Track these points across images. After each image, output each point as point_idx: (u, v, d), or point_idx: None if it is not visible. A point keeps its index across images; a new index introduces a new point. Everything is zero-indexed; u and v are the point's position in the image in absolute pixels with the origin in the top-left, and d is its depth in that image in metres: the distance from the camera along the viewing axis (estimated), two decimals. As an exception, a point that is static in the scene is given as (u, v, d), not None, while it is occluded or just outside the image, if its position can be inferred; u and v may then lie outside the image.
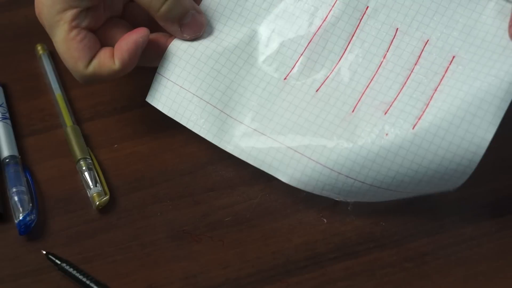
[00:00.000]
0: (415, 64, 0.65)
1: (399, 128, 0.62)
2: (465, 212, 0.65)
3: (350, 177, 0.63)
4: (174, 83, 0.67)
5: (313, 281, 0.61)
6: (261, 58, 0.68)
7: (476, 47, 0.64)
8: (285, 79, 0.67)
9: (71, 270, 0.61)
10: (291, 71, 0.67)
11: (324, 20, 0.67)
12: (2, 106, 0.71)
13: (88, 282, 0.60)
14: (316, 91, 0.66)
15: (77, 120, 0.71)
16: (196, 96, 0.66)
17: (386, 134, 0.63)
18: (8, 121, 0.70)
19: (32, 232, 0.63)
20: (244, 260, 0.62)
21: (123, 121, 0.71)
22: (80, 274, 0.60)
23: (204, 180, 0.67)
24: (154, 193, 0.66)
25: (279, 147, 0.64)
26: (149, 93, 0.68)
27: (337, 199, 0.64)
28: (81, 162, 0.67)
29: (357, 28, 0.67)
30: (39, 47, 0.76)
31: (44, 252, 0.62)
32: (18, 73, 0.75)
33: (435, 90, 0.63)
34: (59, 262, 0.61)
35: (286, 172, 0.64)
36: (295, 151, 0.64)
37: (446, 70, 0.64)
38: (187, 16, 0.66)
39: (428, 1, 0.66)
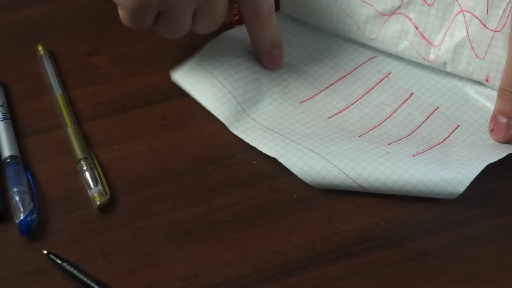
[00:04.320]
0: (423, 122, 0.70)
1: (400, 154, 0.66)
2: (465, 212, 0.65)
3: (350, 177, 0.65)
4: (205, 69, 0.72)
5: (313, 281, 0.61)
6: (287, 81, 0.73)
7: (480, 125, 0.69)
8: (302, 102, 0.71)
9: (72, 269, 0.61)
10: (309, 98, 0.72)
11: (350, 72, 0.73)
12: (3, 106, 0.71)
13: (88, 281, 0.60)
14: (328, 118, 0.70)
15: (78, 120, 0.71)
16: (221, 84, 0.71)
17: (387, 153, 0.66)
18: (9, 121, 0.70)
19: (33, 231, 0.63)
20: (244, 260, 0.62)
21: (123, 121, 0.71)
22: (81, 274, 0.61)
23: (204, 180, 0.67)
24: (155, 193, 0.66)
25: (284, 139, 0.68)
26: (177, 71, 0.73)
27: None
28: (82, 162, 0.67)
29: (376, 84, 0.73)
30: (39, 48, 0.77)
31: (45, 252, 0.62)
32: (19, 73, 0.76)
33: (436, 145, 0.68)
34: (60, 262, 0.61)
35: (288, 156, 0.66)
36: (299, 144, 0.67)
37: (450, 135, 0.69)
38: (274, 50, 0.73)
39: (445, 81, 0.72)
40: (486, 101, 0.70)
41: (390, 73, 0.73)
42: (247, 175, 0.67)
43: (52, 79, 0.74)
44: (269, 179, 0.67)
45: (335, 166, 0.65)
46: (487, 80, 0.70)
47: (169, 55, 0.76)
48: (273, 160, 0.67)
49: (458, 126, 0.69)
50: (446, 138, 0.68)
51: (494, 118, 0.68)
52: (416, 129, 0.69)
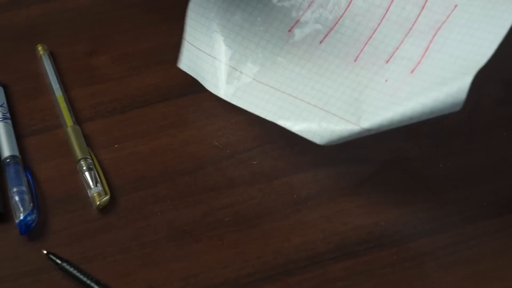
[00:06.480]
0: (418, 15, 0.66)
1: (398, 74, 0.64)
2: (465, 212, 0.65)
3: (350, 122, 0.63)
4: (192, 45, 0.71)
5: (313, 281, 0.61)
6: (268, 8, 0.70)
7: None
8: (289, 31, 0.69)
9: (71, 269, 0.61)
10: (295, 24, 0.69)
11: None
12: (3, 106, 0.71)
13: (88, 281, 0.60)
14: (320, 43, 0.68)
15: (78, 120, 0.71)
16: (210, 56, 0.70)
17: (386, 81, 0.64)
18: (9, 121, 0.70)
19: (32, 231, 0.63)
20: (244, 260, 0.62)
21: (123, 121, 0.71)
22: (81, 274, 0.61)
23: (204, 180, 0.67)
24: (154, 193, 0.66)
25: (281, 95, 0.66)
26: (179, 59, 0.72)
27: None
28: (82, 162, 0.67)
29: None
30: (39, 48, 0.76)
31: (45, 252, 0.62)
32: (18, 73, 0.76)
33: (434, 35, 0.65)
34: (59, 262, 0.61)
35: (287, 116, 0.65)
36: (296, 97, 0.66)
37: (447, 17, 0.65)
38: None
39: None
40: None
41: None
42: (247, 175, 0.67)
43: (52, 79, 0.74)
44: (269, 179, 0.67)
45: (334, 115, 0.64)
46: None
47: (169, 55, 0.76)
48: (273, 160, 0.67)
49: (456, 6, 0.65)
50: (444, 22, 0.65)
51: None
52: (413, 26, 0.66)
